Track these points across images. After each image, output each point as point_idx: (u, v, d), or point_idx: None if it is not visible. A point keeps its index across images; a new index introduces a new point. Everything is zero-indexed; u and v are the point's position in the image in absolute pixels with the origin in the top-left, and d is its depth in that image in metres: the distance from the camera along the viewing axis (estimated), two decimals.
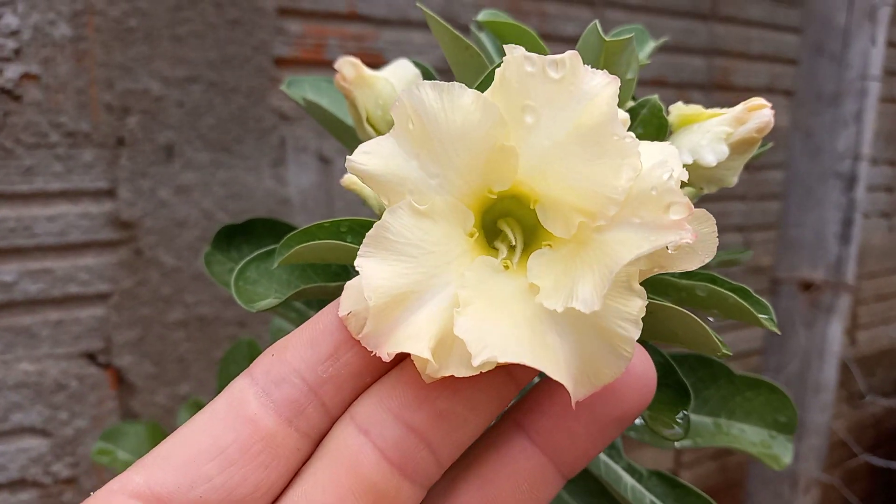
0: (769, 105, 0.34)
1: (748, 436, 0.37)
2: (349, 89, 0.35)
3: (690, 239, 0.22)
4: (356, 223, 0.29)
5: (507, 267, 0.27)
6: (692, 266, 0.24)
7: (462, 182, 0.26)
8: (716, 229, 0.25)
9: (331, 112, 0.39)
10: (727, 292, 0.29)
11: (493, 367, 0.23)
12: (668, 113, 0.36)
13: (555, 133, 0.24)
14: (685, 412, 0.28)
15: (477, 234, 0.27)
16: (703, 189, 0.36)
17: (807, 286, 1.17)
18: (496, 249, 0.27)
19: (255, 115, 0.88)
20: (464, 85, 0.24)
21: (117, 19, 0.79)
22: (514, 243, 0.27)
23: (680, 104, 0.36)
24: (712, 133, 0.34)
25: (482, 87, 0.31)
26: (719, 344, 0.27)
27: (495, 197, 0.27)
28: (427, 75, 0.40)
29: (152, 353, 0.86)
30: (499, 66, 0.26)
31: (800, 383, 1.18)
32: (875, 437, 1.71)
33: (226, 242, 0.38)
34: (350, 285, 0.25)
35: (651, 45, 0.44)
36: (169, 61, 0.82)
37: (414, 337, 0.23)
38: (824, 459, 1.24)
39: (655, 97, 0.34)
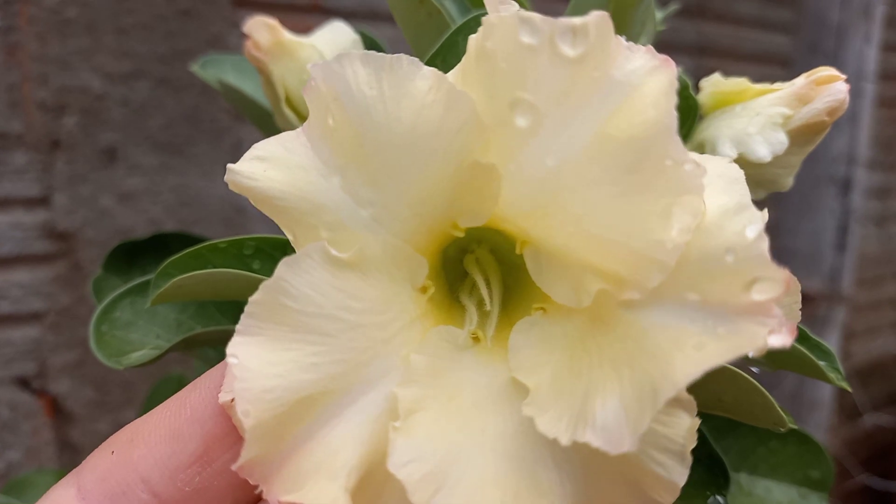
0: (843, 77, 0.26)
1: (775, 496, 0.30)
2: (263, 60, 0.27)
3: (786, 340, 0.15)
4: (267, 243, 0.22)
5: (476, 340, 0.18)
6: (760, 351, 0.16)
7: (411, 214, 0.17)
8: (800, 298, 0.17)
9: (253, 99, 0.31)
10: None
11: None
12: (697, 90, 0.28)
13: (565, 147, 0.16)
14: (720, 498, 0.21)
15: (432, 289, 0.18)
16: None
17: (802, 298, 1.12)
18: (461, 305, 0.19)
19: (209, 114, 0.81)
20: (416, 59, 0.17)
21: (53, 9, 0.73)
22: (488, 306, 0.19)
23: (716, 77, 0.28)
24: (764, 116, 0.26)
25: (444, 62, 0.23)
26: (784, 418, 0.20)
27: (462, 235, 0.19)
28: (371, 45, 0.32)
29: (93, 378, 0.79)
30: (470, 24, 0.18)
31: (795, 401, 1.13)
32: (868, 452, 1.67)
33: (125, 263, 0.30)
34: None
35: (660, 14, 0.37)
36: (112, 55, 0.75)
37: (320, 472, 0.15)
38: None
39: (679, 70, 0.27)
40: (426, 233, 0.18)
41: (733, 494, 0.30)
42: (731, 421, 0.31)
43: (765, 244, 0.16)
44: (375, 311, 0.17)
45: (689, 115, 0.27)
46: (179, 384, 0.47)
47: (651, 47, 0.16)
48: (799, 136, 0.26)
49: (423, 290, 0.19)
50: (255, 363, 0.16)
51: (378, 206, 0.17)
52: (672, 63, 0.16)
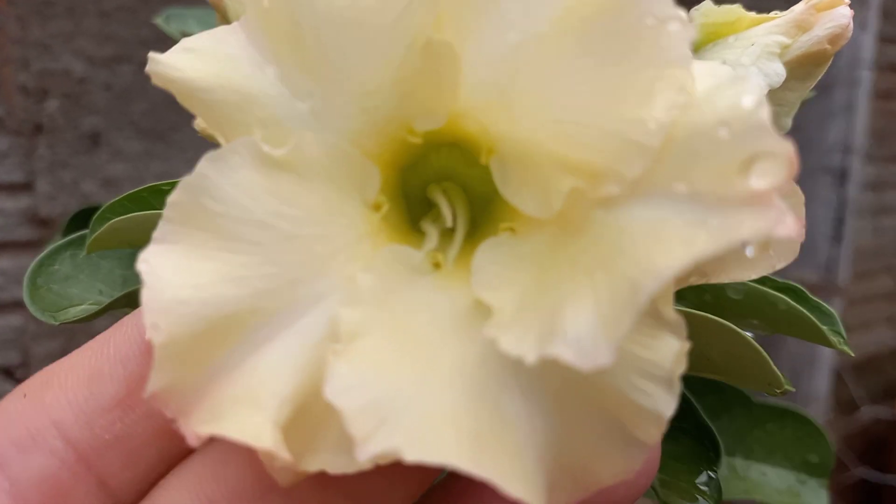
0: (846, 1, 0.24)
1: (771, 481, 0.29)
2: None
3: (791, 230, 0.12)
4: None
5: (437, 266, 0.16)
6: (754, 274, 0.15)
7: (356, 109, 0.15)
8: (804, 212, 0.15)
9: None
10: (775, 293, 0.20)
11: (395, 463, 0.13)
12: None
13: (530, 15, 0.14)
14: (711, 473, 0.20)
15: (386, 207, 0.16)
16: None
17: None
18: (421, 233, 0.17)
19: None
20: None
21: None
22: (449, 224, 0.17)
23: (707, 5, 0.26)
24: (760, 46, 0.24)
25: None
26: (780, 377, 0.18)
27: (419, 141, 0.17)
28: None
29: None
30: None
31: (790, 394, 1.12)
32: (864, 445, 1.66)
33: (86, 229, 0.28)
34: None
35: None
36: (95, 39, 0.74)
37: (246, 402, 0.13)
38: None
39: None
40: (376, 135, 0.16)
41: (727, 479, 0.29)
42: (724, 401, 0.30)
43: (765, 112, 0.13)
44: (316, 221, 0.15)
45: None
46: None
47: None
48: (798, 67, 0.24)
49: (376, 207, 0.16)
50: (170, 271, 0.14)
51: (318, 98, 0.15)
52: None
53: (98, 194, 0.76)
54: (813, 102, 1.18)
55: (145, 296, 0.13)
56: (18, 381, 0.74)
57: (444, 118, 0.16)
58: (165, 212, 0.14)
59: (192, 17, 0.33)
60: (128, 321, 0.17)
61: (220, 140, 0.16)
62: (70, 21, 0.73)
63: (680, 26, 0.13)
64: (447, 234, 0.17)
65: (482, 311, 0.14)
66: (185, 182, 0.14)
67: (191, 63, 0.15)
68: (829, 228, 1.12)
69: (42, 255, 0.23)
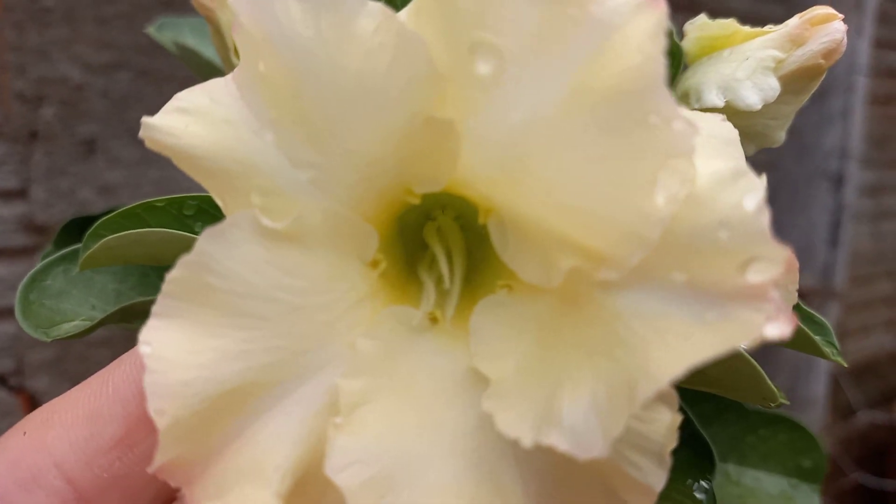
0: (840, 16, 0.24)
1: (764, 486, 0.29)
2: (211, 7, 0.26)
3: (785, 329, 0.12)
4: (209, 203, 0.20)
5: (435, 321, 0.16)
6: (755, 342, 0.15)
7: (356, 178, 0.15)
8: (797, 278, 0.16)
9: (212, 61, 0.30)
10: None
11: None
12: (682, 36, 0.26)
13: (534, 99, 0.14)
14: (706, 483, 0.20)
15: (384, 264, 0.16)
16: None
17: None
18: (419, 281, 0.17)
19: None
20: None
21: None
22: (447, 283, 0.17)
23: (702, 19, 0.26)
24: (754, 60, 0.24)
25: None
26: (775, 391, 0.18)
27: (418, 202, 0.17)
28: None
29: (72, 375, 0.77)
30: None
31: (788, 398, 1.12)
32: (862, 450, 1.66)
33: (78, 239, 0.28)
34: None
35: None
36: (92, 45, 0.74)
37: (249, 476, 0.13)
38: None
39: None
40: (375, 199, 0.16)
41: (720, 485, 0.29)
42: (717, 408, 0.30)
43: (765, 217, 0.14)
44: (317, 290, 0.15)
45: (674, 64, 0.25)
46: None
47: None
48: (792, 81, 0.24)
49: (374, 264, 0.17)
50: (172, 352, 0.14)
51: (318, 169, 0.15)
52: (662, 1, 0.14)
53: (95, 201, 0.76)
54: (810, 108, 1.18)
55: (148, 380, 0.13)
56: (12, 388, 0.74)
57: (443, 184, 0.16)
58: (165, 287, 0.14)
59: (187, 25, 0.33)
60: (126, 359, 0.17)
61: (220, 204, 0.16)
62: (68, 28, 0.73)
63: (684, 125, 0.14)
64: (442, 283, 0.17)
65: (481, 376, 0.14)
66: (186, 259, 0.14)
67: (186, 127, 0.15)
68: (827, 233, 1.12)
69: (34, 270, 0.23)
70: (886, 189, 1.66)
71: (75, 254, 0.23)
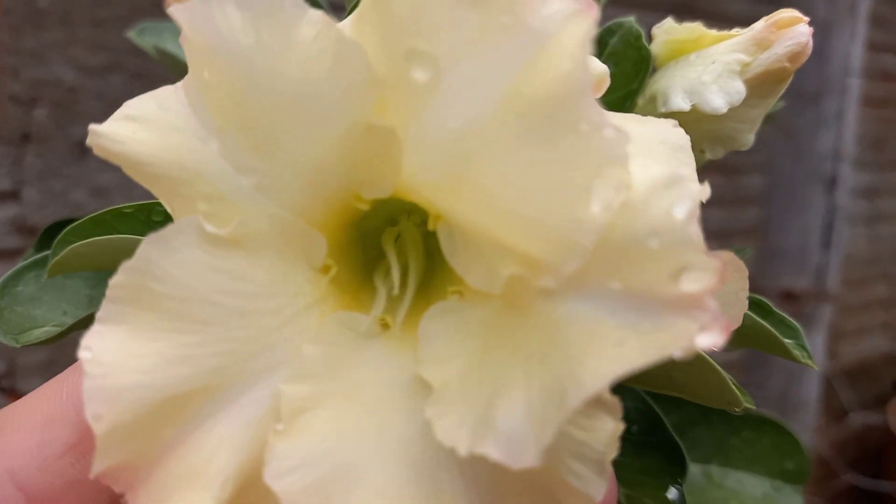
0: (805, 19, 0.24)
1: (748, 488, 0.29)
2: None
3: (717, 339, 0.12)
4: None
5: (385, 326, 0.16)
6: (688, 351, 0.15)
7: (300, 184, 0.15)
8: (746, 284, 0.15)
9: None
10: None
11: None
12: (650, 40, 0.26)
13: (470, 107, 0.14)
14: (678, 487, 0.20)
15: (335, 269, 0.16)
16: (706, 152, 0.25)
17: (787, 296, 1.11)
18: (372, 286, 0.17)
19: None
20: (301, 1, 0.14)
21: (27, 0, 0.71)
22: (397, 291, 0.17)
23: (669, 22, 0.26)
24: (721, 64, 0.24)
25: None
26: (738, 396, 0.18)
27: (367, 208, 0.17)
28: None
29: None
30: None
31: (781, 401, 1.12)
32: (855, 452, 1.66)
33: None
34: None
35: None
36: (86, 47, 0.74)
37: (191, 481, 0.13)
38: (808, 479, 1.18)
39: (631, 19, 0.25)
40: (322, 205, 0.16)
41: (704, 487, 0.29)
42: (702, 410, 0.30)
43: (694, 227, 0.14)
44: (263, 294, 0.15)
45: (642, 67, 0.25)
46: None
47: None
48: (758, 85, 0.24)
49: (324, 269, 0.17)
50: (112, 356, 0.14)
51: (262, 175, 0.15)
52: (594, 6, 0.14)
53: (88, 203, 0.76)
54: (804, 111, 1.19)
55: (86, 385, 0.13)
56: (4, 390, 0.74)
57: (389, 190, 0.16)
58: (108, 292, 0.14)
59: (168, 30, 0.33)
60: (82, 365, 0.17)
61: (169, 210, 0.16)
62: (63, 30, 0.73)
63: (614, 133, 0.13)
64: (399, 289, 0.17)
65: (427, 383, 0.14)
66: (128, 265, 0.14)
67: (133, 134, 0.15)
68: (821, 235, 1.12)
69: (6, 276, 0.23)
70: (881, 191, 1.67)
71: (47, 260, 0.23)
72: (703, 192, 0.15)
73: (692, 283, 0.13)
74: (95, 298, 0.23)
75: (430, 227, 0.16)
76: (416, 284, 0.17)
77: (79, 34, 0.74)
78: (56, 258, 0.20)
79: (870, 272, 1.69)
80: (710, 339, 0.13)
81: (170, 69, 0.32)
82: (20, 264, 0.23)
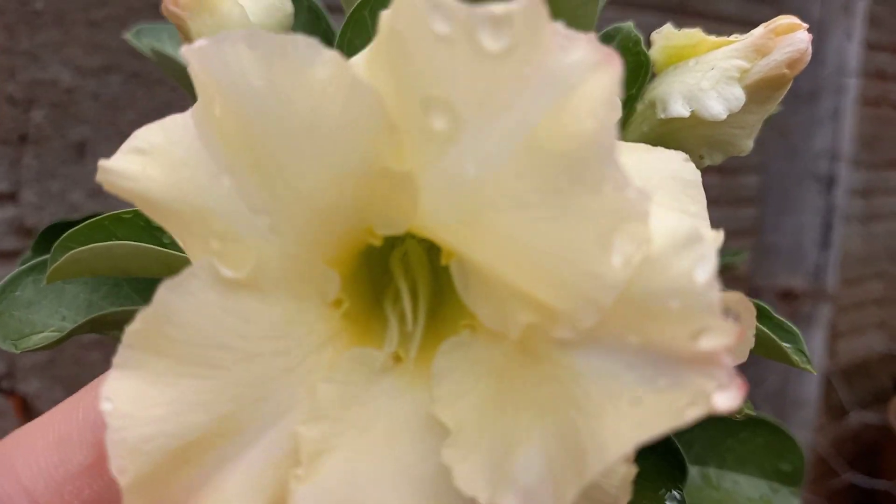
0: (804, 26, 0.24)
1: (744, 490, 0.29)
2: (181, 16, 0.26)
3: (734, 399, 0.12)
4: None
5: (399, 360, 0.16)
6: (703, 413, 0.15)
7: (314, 223, 0.15)
8: (755, 323, 0.15)
9: None
10: None
11: None
12: (649, 45, 0.26)
13: (489, 155, 0.14)
14: (678, 492, 0.20)
15: (347, 304, 0.16)
16: (704, 158, 0.25)
17: (785, 295, 1.12)
18: (383, 314, 0.17)
19: (183, 109, 0.79)
20: (315, 42, 0.14)
21: (22, 1, 0.71)
22: (409, 324, 0.16)
23: (668, 28, 0.26)
24: (719, 70, 0.24)
25: (373, 13, 0.21)
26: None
27: (380, 243, 0.16)
28: (303, 6, 0.31)
29: (64, 378, 0.77)
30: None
31: (779, 399, 1.12)
32: (854, 450, 1.66)
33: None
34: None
35: None
36: (83, 48, 0.74)
37: None
38: (806, 477, 1.18)
39: (630, 24, 0.25)
40: (335, 242, 0.16)
41: (700, 488, 0.29)
42: None
43: (715, 292, 0.13)
44: (276, 335, 0.15)
45: (641, 73, 0.25)
46: None
47: (594, 36, 0.13)
48: (757, 91, 0.24)
49: (336, 304, 0.16)
50: (131, 406, 0.14)
51: (275, 214, 0.15)
52: (618, 59, 0.13)
53: (85, 204, 0.75)
54: (800, 110, 1.19)
55: (110, 438, 0.13)
56: (4, 391, 0.74)
57: (403, 228, 0.16)
58: (125, 338, 0.14)
59: (165, 31, 0.33)
60: (97, 385, 0.17)
61: (181, 244, 0.16)
62: (58, 31, 0.73)
63: (636, 193, 0.13)
64: (408, 319, 0.17)
65: (440, 422, 0.14)
66: (145, 312, 0.14)
67: (143, 170, 0.15)
68: (818, 235, 1.12)
69: (4, 280, 0.23)
70: (877, 190, 1.67)
71: (46, 264, 0.23)
72: (717, 238, 0.15)
73: (710, 342, 0.13)
74: (94, 303, 0.23)
75: (444, 261, 0.16)
76: (427, 310, 0.17)
77: (74, 35, 0.74)
78: (55, 264, 0.20)
79: (865, 271, 1.69)
80: (727, 400, 0.13)
81: (167, 71, 0.32)
82: (18, 268, 0.23)
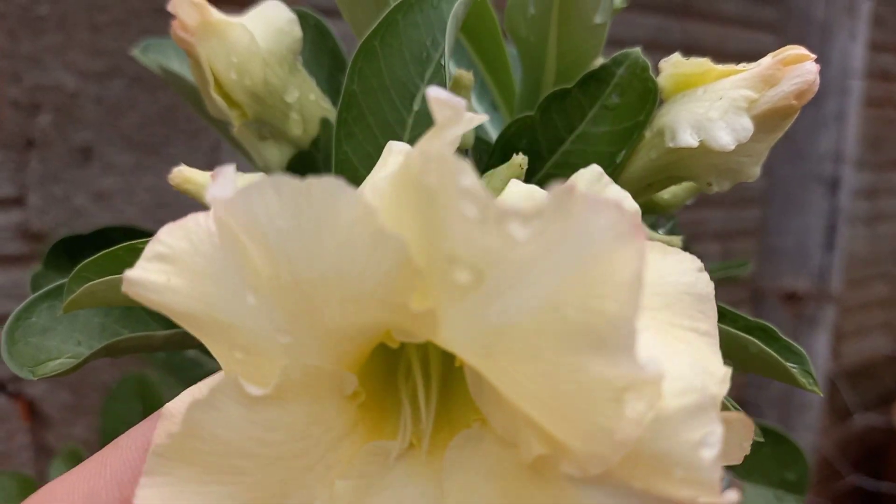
0: (812, 56, 0.24)
1: (750, 498, 0.29)
2: (190, 42, 0.26)
3: None
4: None
5: (413, 445, 0.17)
6: None
7: (336, 344, 0.16)
8: (752, 437, 0.16)
9: (196, 86, 0.30)
10: (745, 336, 0.21)
11: None
12: (657, 72, 0.26)
13: (510, 310, 0.14)
14: None
15: (363, 396, 0.17)
16: (712, 185, 0.26)
17: (790, 297, 1.11)
18: (397, 398, 0.17)
19: (186, 113, 0.80)
20: (341, 183, 0.14)
21: (25, 5, 0.71)
22: (423, 418, 0.17)
23: (676, 57, 0.26)
24: (727, 100, 0.24)
25: (383, 42, 0.22)
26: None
27: (396, 346, 0.17)
28: (309, 24, 0.31)
29: (70, 381, 0.77)
30: (410, 2, 0.16)
31: (785, 402, 1.12)
32: (859, 452, 1.66)
33: (67, 259, 0.29)
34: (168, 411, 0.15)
35: None
36: (86, 53, 0.74)
37: None
38: (811, 480, 1.18)
39: (637, 50, 0.25)
40: (355, 352, 0.17)
41: None
42: None
43: (718, 470, 0.14)
44: (296, 437, 0.16)
45: (649, 99, 0.25)
46: (138, 384, 0.46)
47: (619, 202, 0.13)
48: (765, 121, 0.24)
49: (353, 396, 0.17)
50: None
51: (299, 335, 0.15)
52: (643, 233, 0.13)
53: (90, 208, 0.76)
54: (804, 112, 1.18)
55: None
56: (10, 394, 0.74)
57: (422, 341, 0.16)
58: (153, 448, 0.15)
59: (171, 47, 0.33)
60: (123, 442, 0.17)
61: (208, 348, 0.16)
62: (61, 35, 0.73)
63: (654, 364, 0.13)
64: (418, 407, 0.17)
65: None
66: (174, 431, 0.15)
67: (168, 282, 0.15)
68: (822, 237, 1.12)
69: (19, 308, 0.23)
70: (882, 192, 1.67)
71: (60, 289, 0.23)
72: (726, 377, 0.15)
73: (706, 498, 0.14)
74: (107, 326, 0.24)
75: (458, 363, 0.16)
76: (440, 394, 0.17)
77: (77, 39, 0.74)
78: (72, 296, 0.20)
79: (870, 272, 1.68)
80: None
81: (174, 87, 0.33)
82: (32, 295, 0.24)
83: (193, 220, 0.16)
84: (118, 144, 0.77)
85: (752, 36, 1.34)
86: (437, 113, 0.14)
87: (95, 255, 0.21)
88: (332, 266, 0.14)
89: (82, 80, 0.74)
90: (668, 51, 1.01)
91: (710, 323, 0.17)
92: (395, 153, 0.19)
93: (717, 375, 0.15)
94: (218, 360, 0.16)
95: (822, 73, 0.98)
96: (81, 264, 0.21)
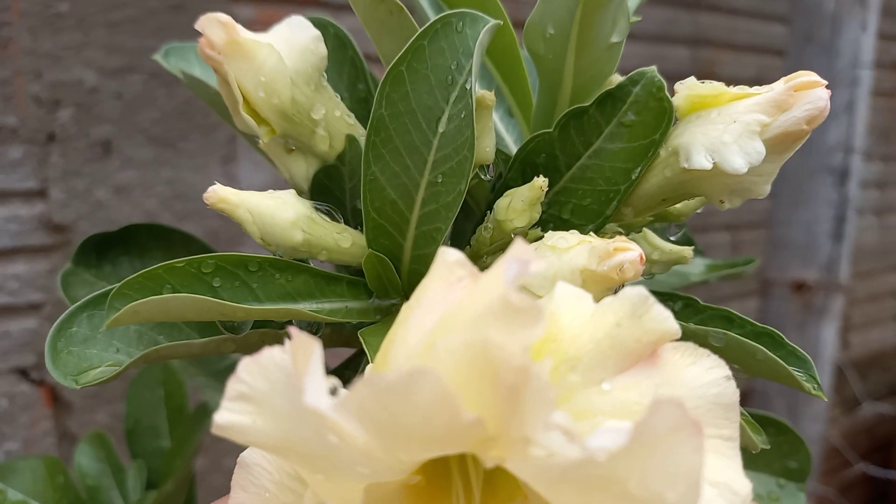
0: (823, 82, 0.25)
1: (753, 486, 0.30)
2: (218, 60, 0.27)
3: None
4: (226, 260, 0.22)
5: None
6: None
7: (411, 465, 0.17)
8: None
9: (219, 92, 0.31)
10: (753, 343, 0.22)
11: None
12: (672, 93, 0.27)
13: (579, 478, 0.15)
14: None
15: (423, 482, 0.19)
16: (725, 203, 0.27)
17: (798, 287, 1.12)
18: (448, 471, 0.19)
19: (203, 108, 0.81)
20: (423, 369, 0.14)
21: (45, 3, 0.73)
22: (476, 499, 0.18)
23: (691, 80, 0.27)
24: (740, 124, 0.24)
25: (409, 68, 0.23)
26: (755, 440, 0.20)
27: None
28: (337, 37, 0.32)
29: None
30: (436, 28, 0.17)
31: (792, 391, 1.13)
32: (868, 443, 1.66)
33: (95, 256, 0.30)
34: None
35: (633, 1, 0.35)
36: (104, 49, 0.75)
37: None
38: (819, 469, 1.19)
39: (653, 69, 0.26)
40: (417, 464, 0.18)
41: None
42: None
43: None
44: None
45: (664, 118, 0.26)
46: (161, 372, 0.47)
47: (682, 402, 0.14)
48: (777, 144, 0.25)
49: (414, 476, 0.18)
50: None
51: (376, 469, 0.16)
52: (702, 431, 0.14)
53: (110, 201, 0.77)
54: None
55: None
56: (34, 381, 0.76)
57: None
58: None
59: (192, 51, 0.34)
60: None
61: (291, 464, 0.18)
62: (80, 33, 0.74)
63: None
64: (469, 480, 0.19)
65: None
66: None
67: (253, 423, 0.15)
68: (831, 227, 1.12)
69: (61, 318, 0.24)
70: (892, 183, 1.66)
71: (98, 299, 0.24)
72: (749, 493, 0.17)
73: None
74: (144, 333, 0.25)
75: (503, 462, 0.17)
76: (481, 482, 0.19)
77: (95, 36, 0.75)
78: (114, 315, 0.21)
79: (880, 263, 1.68)
80: None
81: (197, 92, 0.33)
82: (73, 306, 0.25)
83: (269, 357, 0.15)
84: (137, 139, 0.78)
85: (762, 27, 1.33)
86: (514, 314, 0.15)
87: (135, 275, 0.22)
88: (416, 435, 0.15)
89: (101, 77, 0.76)
90: (679, 42, 1.01)
91: (734, 428, 0.18)
92: (449, 265, 0.19)
93: (741, 495, 0.17)
94: (303, 476, 0.18)
95: (831, 63, 0.99)
96: (123, 282, 0.22)
